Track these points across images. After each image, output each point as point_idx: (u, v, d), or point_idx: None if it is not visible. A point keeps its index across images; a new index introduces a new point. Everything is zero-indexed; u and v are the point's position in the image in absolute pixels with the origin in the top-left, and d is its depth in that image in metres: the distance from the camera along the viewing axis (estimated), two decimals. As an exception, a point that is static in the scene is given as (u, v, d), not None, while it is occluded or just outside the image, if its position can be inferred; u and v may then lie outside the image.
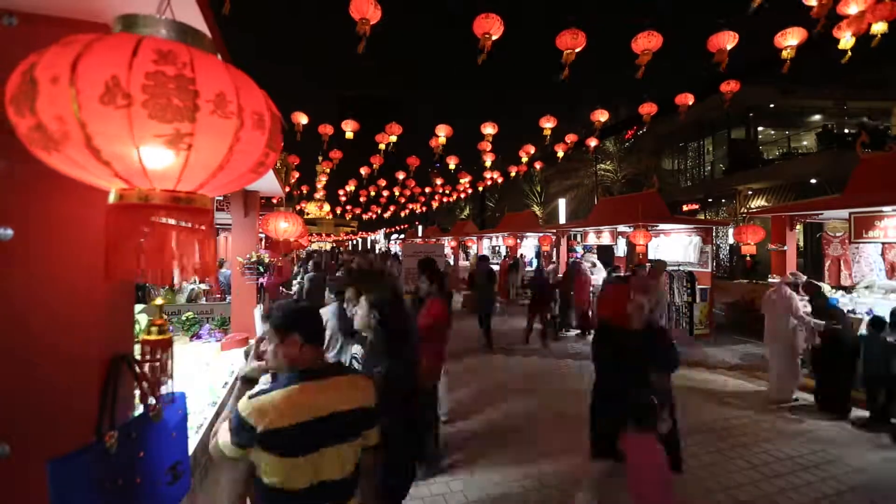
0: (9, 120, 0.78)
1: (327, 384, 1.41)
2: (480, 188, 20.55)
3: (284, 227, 4.38)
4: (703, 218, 18.12)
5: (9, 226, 1.17)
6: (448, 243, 19.04)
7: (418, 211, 28.92)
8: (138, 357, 1.37)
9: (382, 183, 19.91)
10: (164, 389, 1.37)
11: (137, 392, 1.34)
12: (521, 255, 15.61)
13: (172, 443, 1.38)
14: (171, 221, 0.89)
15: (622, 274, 8.10)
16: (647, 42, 4.84)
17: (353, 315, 2.25)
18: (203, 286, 5.85)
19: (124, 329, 1.45)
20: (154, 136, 0.77)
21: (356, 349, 2.43)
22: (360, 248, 38.86)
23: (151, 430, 1.32)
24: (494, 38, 4.65)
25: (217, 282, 6.45)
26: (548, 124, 8.71)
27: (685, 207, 19.95)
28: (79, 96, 0.72)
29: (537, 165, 14.70)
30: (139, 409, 1.37)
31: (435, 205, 26.43)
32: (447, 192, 22.22)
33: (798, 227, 7.37)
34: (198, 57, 0.81)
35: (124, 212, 0.88)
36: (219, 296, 6.40)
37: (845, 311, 5.38)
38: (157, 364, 1.30)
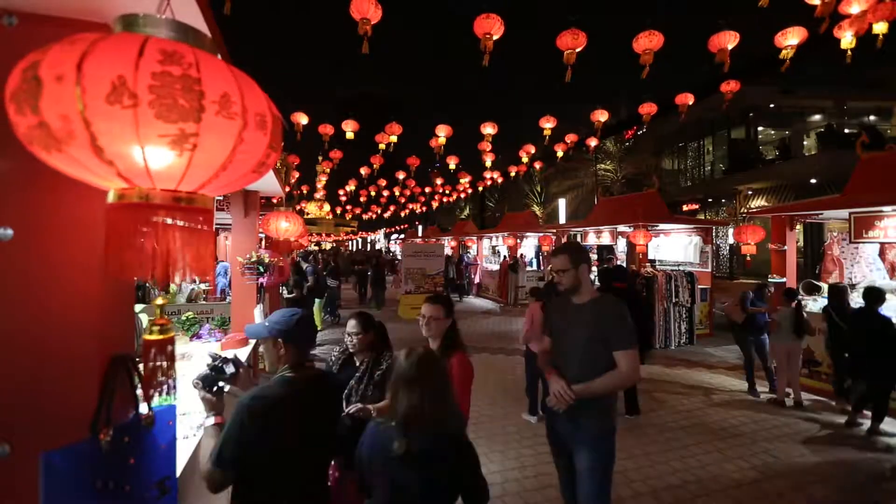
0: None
1: None
2: (480, 188, 20.54)
3: (284, 226, 4.38)
4: (703, 218, 18.12)
5: (9, 226, 1.17)
6: (448, 243, 19.03)
7: (418, 211, 28.90)
8: (139, 357, 1.37)
9: (382, 183, 19.88)
10: (167, 390, 1.36)
11: (135, 395, 1.34)
12: (521, 254, 15.60)
13: (162, 455, 1.38)
14: (171, 221, 0.88)
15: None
16: (648, 42, 4.84)
17: None
18: (203, 286, 5.84)
19: (124, 329, 1.45)
20: (159, 136, 0.77)
21: None
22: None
23: (143, 438, 1.32)
24: (495, 38, 4.65)
25: (214, 283, 6.44)
26: (548, 124, 8.71)
27: (685, 207, 19.95)
28: (84, 95, 0.72)
29: (537, 165, 14.69)
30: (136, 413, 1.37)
31: (435, 205, 26.41)
32: (447, 192, 22.19)
33: (798, 227, 7.35)
34: (203, 58, 0.81)
35: (124, 211, 0.87)
36: (218, 296, 6.39)
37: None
38: (160, 364, 1.30)
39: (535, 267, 15.73)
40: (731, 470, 3.77)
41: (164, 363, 1.26)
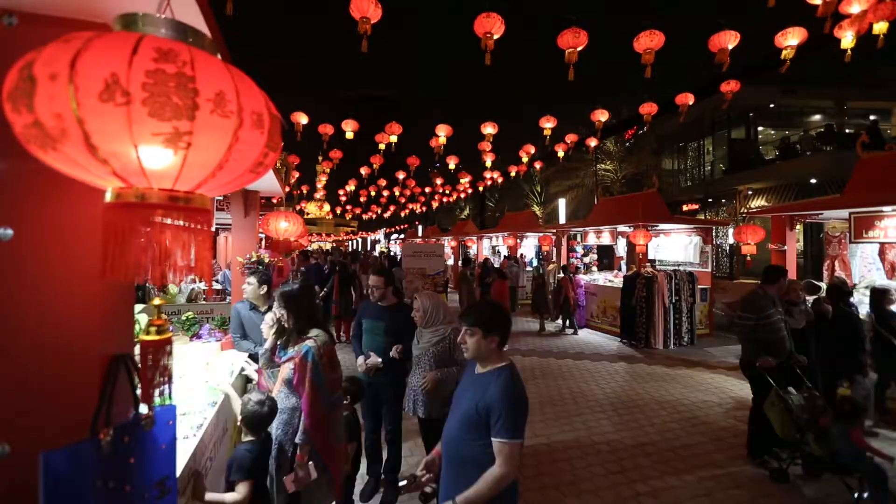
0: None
1: None
2: (480, 188, 20.54)
3: (284, 226, 4.38)
4: (703, 218, 18.11)
5: (9, 226, 1.17)
6: (448, 243, 19.03)
7: (418, 211, 28.91)
8: (137, 358, 1.37)
9: (382, 183, 19.89)
10: (164, 391, 1.36)
11: (135, 395, 1.34)
12: (521, 254, 15.60)
13: (162, 455, 1.37)
14: (169, 221, 0.88)
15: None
16: (648, 41, 4.84)
17: None
18: (202, 286, 5.84)
19: (124, 329, 1.45)
20: (153, 134, 0.76)
21: None
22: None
23: (143, 438, 1.31)
24: (496, 37, 4.64)
25: (211, 284, 6.41)
26: (548, 124, 8.71)
27: (685, 207, 19.94)
28: (77, 93, 0.71)
29: (537, 165, 14.69)
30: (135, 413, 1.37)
31: (435, 205, 26.42)
32: (447, 192, 22.20)
33: (798, 227, 7.35)
34: (198, 56, 0.80)
35: (121, 211, 0.87)
36: (218, 295, 6.38)
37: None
38: (157, 365, 1.29)
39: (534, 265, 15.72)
40: (732, 472, 3.77)
41: (162, 365, 1.25)
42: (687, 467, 3.83)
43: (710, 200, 20.22)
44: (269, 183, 4.37)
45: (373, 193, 22.05)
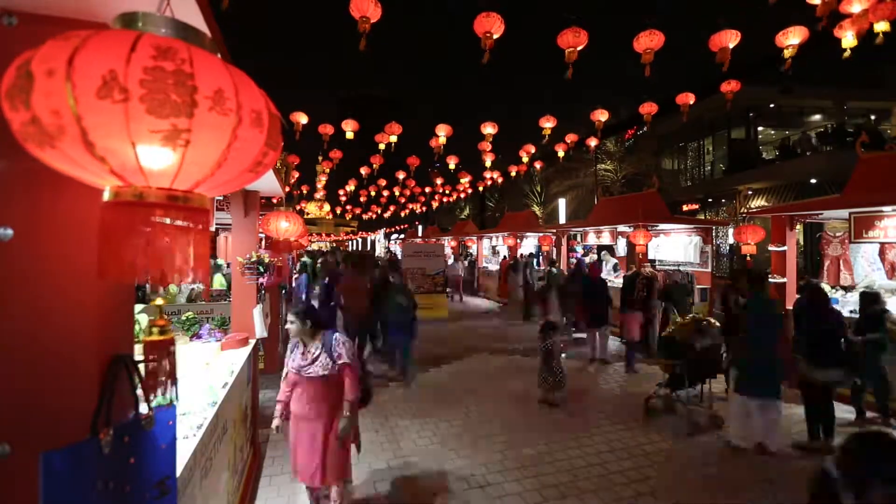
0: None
1: None
2: (480, 188, 20.53)
3: (284, 226, 4.37)
4: (703, 218, 18.11)
5: (9, 226, 1.17)
6: (448, 243, 19.03)
7: (418, 211, 28.89)
8: (140, 358, 1.37)
9: (382, 183, 19.88)
10: (167, 391, 1.36)
11: (135, 395, 1.34)
12: (521, 254, 15.59)
13: (162, 455, 1.37)
14: (167, 220, 0.87)
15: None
16: (648, 41, 4.84)
17: None
18: (201, 286, 5.84)
19: (124, 329, 1.45)
20: (151, 131, 0.76)
21: None
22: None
23: (143, 438, 1.31)
24: (496, 36, 4.64)
25: (208, 284, 6.42)
26: (548, 124, 8.70)
27: (685, 207, 19.92)
28: (75, 90, 0.71)
29: (537, 165, 14.68)
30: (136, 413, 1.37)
31: (435, 205, 26.41)
32: (447, 192, 22.18)
33: (798, 227, 7.34)
34: (197, 54, 0.80)
35: (119, 210, 0.86)
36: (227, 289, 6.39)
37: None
38: (160, 365, 1.29)
39: (534, 266, 15.70)
40: (735, 479, 3.77)
41: (165, 364, 1.25)
42: (697, 474, 3.82)
43: (710, 200, 20.21)
44: (269, 183, 4.36)
45: (373, 193, 22.03)
